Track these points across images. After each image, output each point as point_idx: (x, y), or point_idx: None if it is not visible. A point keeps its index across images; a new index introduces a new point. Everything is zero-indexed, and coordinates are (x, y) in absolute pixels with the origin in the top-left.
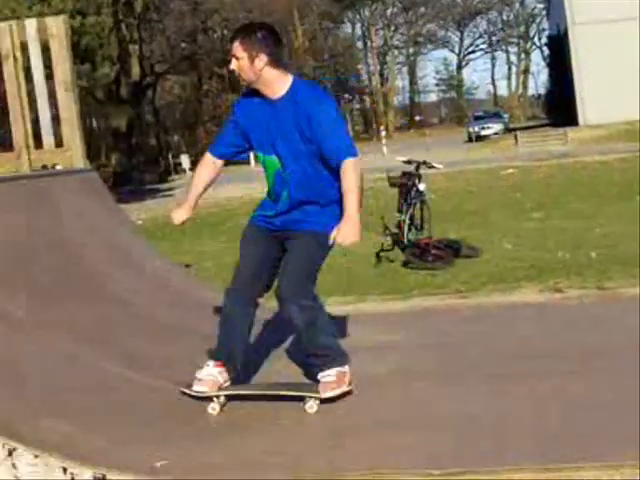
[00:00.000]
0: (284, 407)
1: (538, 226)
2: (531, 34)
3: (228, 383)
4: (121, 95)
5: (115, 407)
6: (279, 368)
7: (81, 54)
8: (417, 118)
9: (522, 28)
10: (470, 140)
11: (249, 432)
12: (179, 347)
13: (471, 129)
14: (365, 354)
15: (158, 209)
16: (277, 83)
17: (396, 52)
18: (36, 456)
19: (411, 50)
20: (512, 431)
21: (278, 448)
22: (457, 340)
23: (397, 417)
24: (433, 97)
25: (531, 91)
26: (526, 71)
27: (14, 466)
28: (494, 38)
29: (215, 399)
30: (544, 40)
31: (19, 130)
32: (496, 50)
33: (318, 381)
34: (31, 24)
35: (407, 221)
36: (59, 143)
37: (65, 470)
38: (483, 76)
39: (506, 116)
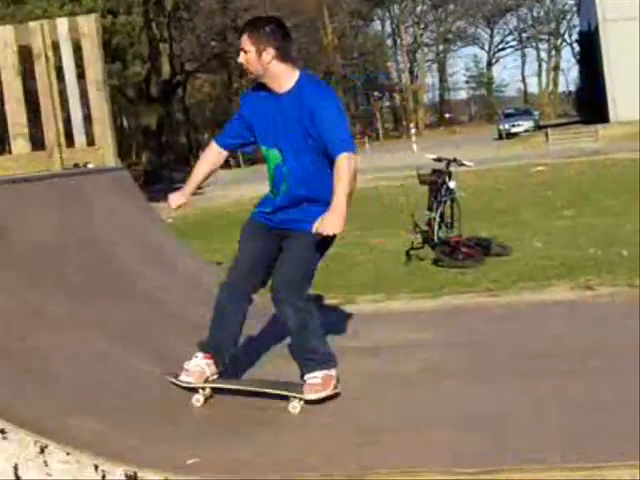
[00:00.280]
0: (315, 405)
1: (569, 224)
2: (561, 31)
3: (215, 376)
4: (151, 94)
5: (146, 405)
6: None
7: (112, 53)
8: (447, 115)
9: (552, 25)
10: (500, 137)
11: (281, 430)
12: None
13: (501, 126)
14: (395, 352)
15: (188, 207)
16: (284, 77)
17: (426, 49)
18: (68, 454)
19: (441, 47)
20: (542, 430)
21: (309, 446)
22: (487, 338)
23: (427, 415)
24: (463, 94)
25: (561, 88)
26: (556, 68)
27: (46, 463)
28: (524, 35)
29: (201, 390)
30: (575, 37)
31: (51, 129)
32: (526, 47)
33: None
34: (63, 23)
35: (437, 219)
36: (91, 142)
37: (97, 468)
38: (513, 73)
39: (536, 113)
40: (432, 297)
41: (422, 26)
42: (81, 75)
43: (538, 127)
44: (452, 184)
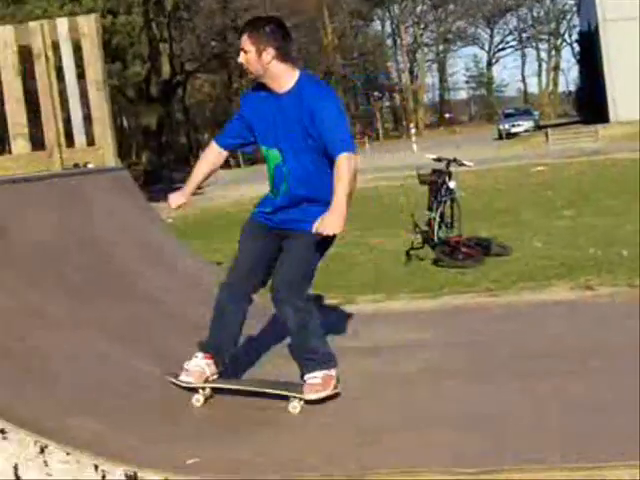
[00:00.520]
0: (315, 405)
1: (569, 224)
2: (561, 31)
3: (215, 376)
4: (151, 94)
5: (146, 405)
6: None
7: (112, 53)
8: (447, 115)
9: (552, 25)
10: (500, 137)
11: (281, 430)
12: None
13: (501, 126)
14: (395, 352)
15: (188, 207)
16: (284, 77)
17: (426, 49)
18: (68, 454)
19: (441, 47)
20: (543, 430)
21: (309, 446)
22: (487, 338)
23: (427, 415)
24: (463, 94)
25: (562, 88)
26: (556, 68)
27: (46, 463)
28: (524, 35)
29: (201, 390)
30: (575, 37)
31: (51, 129)
32: (526, 47)
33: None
34: (63, 23)
35: (437, 219)
36: (91, 142)
37: (97, 468)
38: (513, 73)
39: (536, 113)
40: (432, 297)
41: (422, 26)
42: (81, 75)
43: (538, 127)
44: (452, 184)
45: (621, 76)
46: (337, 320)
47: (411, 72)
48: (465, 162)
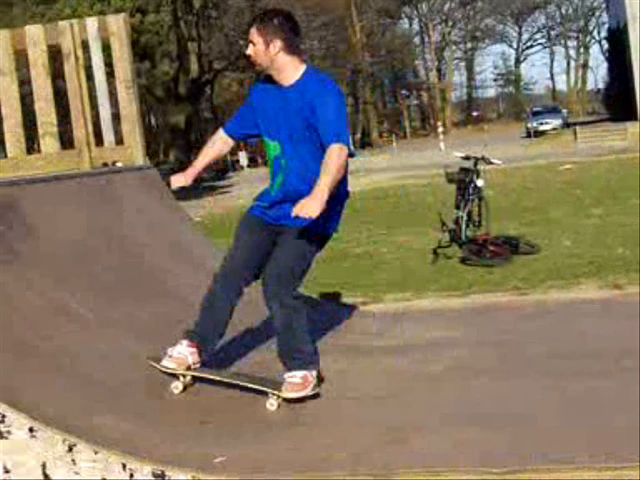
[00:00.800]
0: (346, 403)
1: (597, 222)
2: (590, 28)
3: (198, 365)
4: (180, 92)
5: (174, 404)
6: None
7: (140, 52)
8: (475, 113)
9: (581, 22)
10: (528, 135)
11: (308, 428)
12: (238, 343)
13: (529, 124)
14: (422, 351)
15: (216, 206)
16: (289, 70)
17: (454, 47)
18: (96, 452)
19: (469, 45)
20: (571, 429)
21: (336, 444)
22: (516, 337)
23: (454, 414)
24: (491, 92)
25: (590, 86)
26: (585, 65)
27: (74, 462)
28: (553, 32)
29: (181, 377)
30: (603, 34)
31: (80, 128)
32: (555, 44)
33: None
34: (92, 22)
35: (465, 217)
36: (119, 141)
37: (124, 466)
38: (542, 71)
39: (565, 111)
40: (460, 296)
41: (450, 24)
42: (110, 74)
43: (566, 125)
44: (480, 182)
45: None
46: (364, 319)
47: (439, 70)
48: (493, 160)
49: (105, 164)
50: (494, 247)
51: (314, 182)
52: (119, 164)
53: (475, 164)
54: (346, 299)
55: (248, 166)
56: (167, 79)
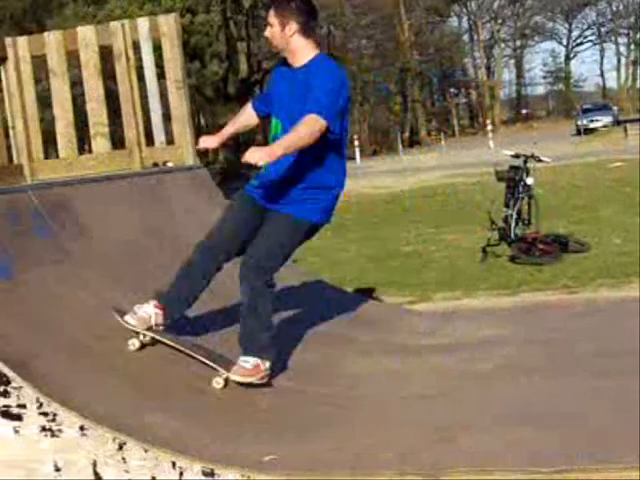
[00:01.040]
0: (393, 402)
1: None
2: None
3: (161, 328)
4: (229, 92)
5: (222, 403)
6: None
7: (190, 52)
8: (524, 111)
9: (632, 18)
10: (578, 133)
11: (355, 426)
12: (286, 342)
13: (579, 122)
14: (472, 349)
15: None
16: (302, 53)
17: (503, 45)
18: (146, 451)
19: (518, 43)
20: (620, 429)
21: (384, 443)
22: (566, 335)
23: (503, 413)
24: (540, 90)
25: None
26: (635, 62)
27: (124, 460)
28: (603, 29)
29: (140, 336)
30: None
31: (131, 128)
32: (605, 41)
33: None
34: (143, 23)
35: (514, 216)
36: (170, 141)
37: (174, 465)
38: (591, 68)
39: (615, 108)
40: (509, 294)
41: (499, 21)
42: (160, 75)
43: (617, 122)
44: (530, 180)
45: None
46: (412, 318)
47: (488, 68)
48: (543, 158)
49: (155, 164)
50: (544, 245)
51: (309, 165)
52: (170, 164)
53: (525, 162)
54: (395, 298)
55: None
56: (216, 79)
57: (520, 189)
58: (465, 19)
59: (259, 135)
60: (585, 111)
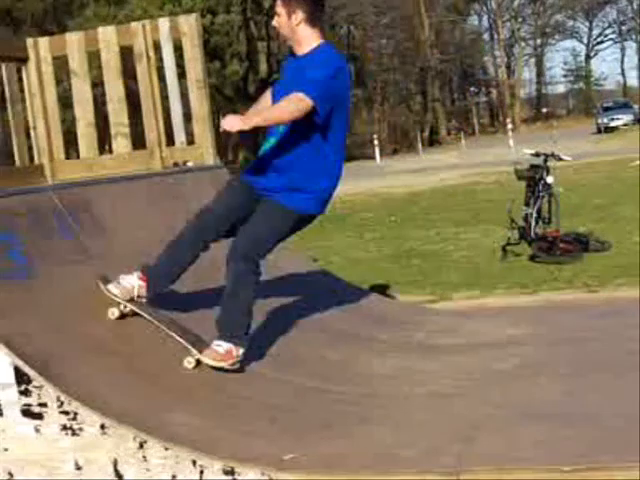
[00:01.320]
0: (414, 401)
1: None
2: None
3: (143, 300)
4: (249, 92)
5: (244, 401)
6: None
7: (210, 52)
8: (544, 110)
9: None
10: (599, 131)
11: (376, 425)
12: (307, 341)
13: (600, 120)
14: (492, 348)
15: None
16: (306, 41)
17: (523, 44)
18: (166, 449)
19: (538, 41)
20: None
21: (405, 442)
22: (586, 335)
23: (523, 412)
24: (561, 88)
25: None
26: None
27: (144, 458)
28: (624, 27)
29: (121, 306)
30: None
31: (152, 128)
32: (626, 40)
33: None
34: (164, 23)
35: (534, 214)
36: (190, 141)
37: (195, 463)
38: (612, 66)
39: (636, 107)
40: (530, 293)
41: (520, 20)
42: (181, 75)
43: (638, 121)
44: (550, 179)
45: None
46: (431, 317)
47: (508, 67)
48: (563, 156)
49: (176, 164)
50: (564, 244)
51: (305, 155)
52: (189, 163)
53: (545, 161)
54: (414, 297)
55: None
56: (237, 79)
57: (540, 188)
58: (485, 18)
59: None
60: (606, 109)
